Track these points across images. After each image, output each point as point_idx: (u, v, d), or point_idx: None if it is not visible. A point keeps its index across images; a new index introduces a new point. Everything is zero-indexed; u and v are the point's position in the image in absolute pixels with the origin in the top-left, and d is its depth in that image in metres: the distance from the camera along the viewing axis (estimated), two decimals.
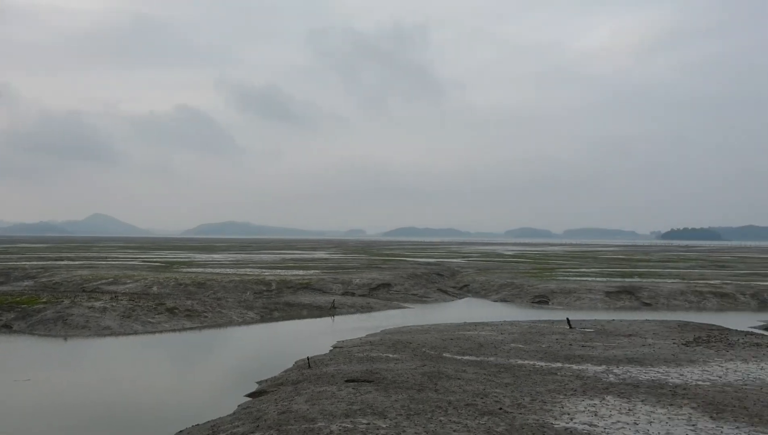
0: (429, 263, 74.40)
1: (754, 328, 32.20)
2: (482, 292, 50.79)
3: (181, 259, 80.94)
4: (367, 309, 39.75)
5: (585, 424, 13.17)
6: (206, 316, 33.56)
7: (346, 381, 17.19)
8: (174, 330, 30.70)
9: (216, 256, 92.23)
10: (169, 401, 18.81)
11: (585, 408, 14.45)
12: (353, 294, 45.39)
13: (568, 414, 13.90)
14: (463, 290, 52.69)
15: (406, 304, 43.20)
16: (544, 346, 23.36)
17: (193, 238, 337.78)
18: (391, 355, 21.41)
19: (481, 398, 15.12)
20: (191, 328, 31.37)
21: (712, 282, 50.58)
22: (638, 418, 13.72)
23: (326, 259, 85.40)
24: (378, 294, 46.34)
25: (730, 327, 30.14)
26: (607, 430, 12.79)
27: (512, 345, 23.45)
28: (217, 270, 58.51)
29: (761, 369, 19.16)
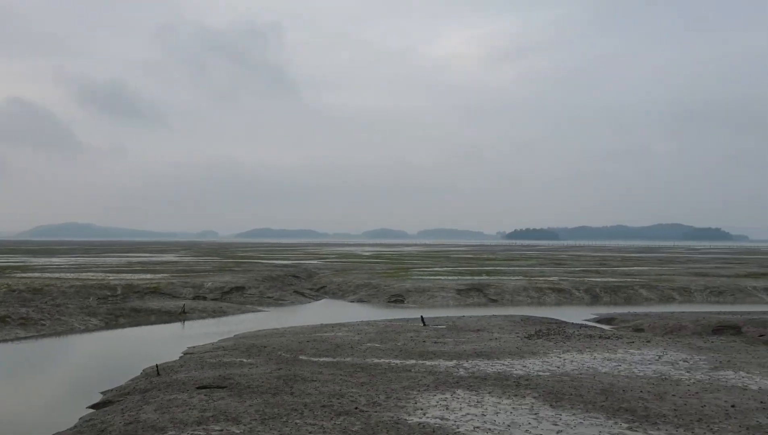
0: (285, 265, 73.77)
1: (588, 320, 34.85)
2: (339, 293, 51.11)
3: (14, 264, 74.52)
4: (220, 313, 38.69)
5: (437, 418, 13.60)
6: (44, 325, 31.12)
7: (198, 388, 16.60)
8: (5, 340, 28.18)
9: (55, 260, 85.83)
10: None
11: (437, 402, 14.93)
12: (205, 298, 44.02)
13: (422, 409, 14.30)
14: (321, 292, 52.75)
15: (261, 308, 42.53)
16: (399, 344, 23.89)
17: (28, 241, 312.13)
18: (245, 360, 20.97)
19: (338, 399, 15.18)
20: (26, 338, 28.95)
21: (551, 279, 54.19)
22: (486, 409, 14.38)
23: (176, 262, 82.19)
24: (231, 298, 45.26)
25: (567, 320, 32.45)
26: (457, 422, 13.29)
27: (368, 344, 23.77)
28: (56, 274, 54.45)
29: (594, 359, 20.76)
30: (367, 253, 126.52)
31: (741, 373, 18.58)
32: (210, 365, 20.18)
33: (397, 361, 20.31)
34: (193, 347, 25.26)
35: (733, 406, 14.63)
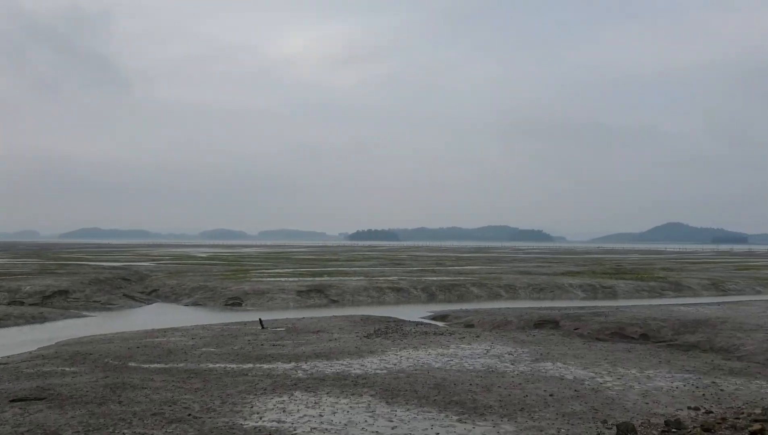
0: (114, 267, 69.58)
1: (424, 318, 36.15)
2: (173, 296, 49.04)
3: None
4: (41, 319, 35.70)
5: (274, 421, 13.44)
6: None
7: (12, 401, 15.17)
8: None
9: None
10: None
11: (274, 405, 14.76)
12: (23, 303, 40.43)
13: (258, 413, 14.06)
14: (153, 295, 50.30)
15: (87, 313, 39.78)
16: (236, 347, 23.37)
17: None
18: (68, 369, 19.48)
19: (170, 406, 14.54)
20: None
21: (390, 278, 55.61)
22: (323, 410, 14.43)
23: None
24: (54, 302, 41.95)
25: (405, 318, 33.45)
26: (294, 424, 13.21)
27: (204, 349, 23.02)
28: None
29: (428, 355, 21.56)
30: (203, 255, 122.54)
31: (558, 364, 20.13)
32: (27, 376, 18.52)
33: (234, 366, 19.84)
34: (8, 357, 23.05)
35: (551, 395, 15.81)
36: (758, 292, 53.87)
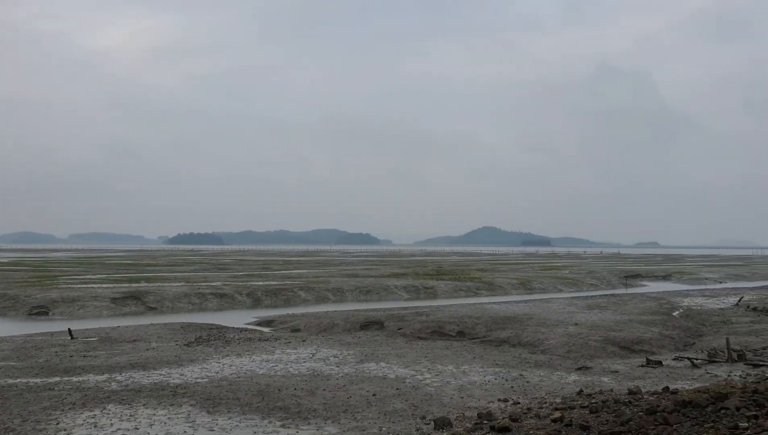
0: None
1: (249, 324, 35.48)
2: None
3: None
4: None
5: None
6: None
7: None
8: None
9: None
10: None
11: (84, 421, 13.73)
12: None
13: (65, 430, 13.00)
14: None
15: None
16: (41, 360, 21.47)
17: None
18: None
19: None
20: None
21: (213, 284, 53.99)
22: (139, 422, 13.66)
23: None
24: None
25: (229, 325, 32.62)
26: None
27: (1, 363, 20.88)
28: None
29: (252, 361, 21.18)
30: (3, 260, 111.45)
31: (382, 363, 20.67)
32: None
33: (38, 380, 18.19)
34: None
35: (374, 395, 16.18)
36: (560, 290, 59.08)
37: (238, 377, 18.40)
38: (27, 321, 38.09)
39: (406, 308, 37.65)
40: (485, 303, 40.92)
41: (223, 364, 20.54)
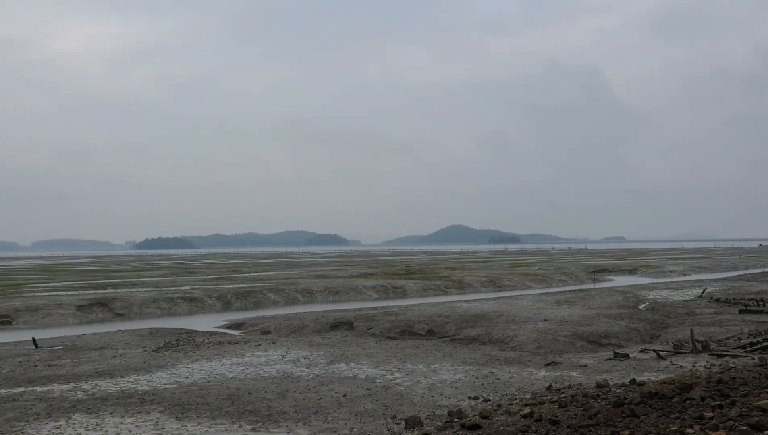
0: None
1: (219, 327, 35.13)
2: None
3: None
4: None
5: None
6: None
7: None
8: None
9: None
10: None
11: (49, 431, 13.46)
12: None
13: None
14: None
15: None
16: (4, 371, 20.98)
17: None
18: None
19: None
20: None
21: (182, 288, 53.37)
22: (106, 431, 13.43)
23: None
24: None
25: (198, 329, 32.26)
26: None
27: None
28: None
29: (222, 365, 20.98)
30: None
31: (352, 364, 20.63)
32: None
33: (1, 391, 17.77)
34: None
35: (344, 395, 16.14)
36: (529, 287, 59.63)
37: (208, 382, 18.21)
38: None
39: (375, 308, 37.65)
40: (455, 301, 41.11)
41: (193, 369, 20.30)
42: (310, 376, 18.70)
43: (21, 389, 18.00)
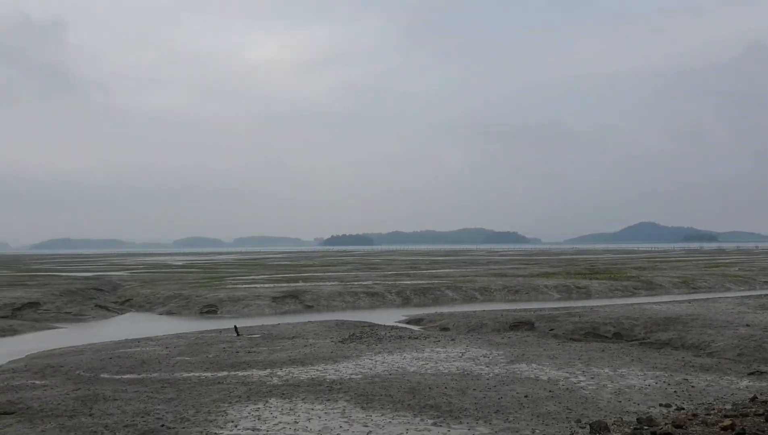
0: (87, 277, 68.64)
1: (399, 322, 36.15)
2: (147, 305, 48.47)
3: None
4: (10, 332, 35.04)
5: (248, 429, 13.33)
6: None
7: None
8: None
9: None
10: None
11: (249, 413, 14.65)
12: None
13: (233, 421, 13.94)
14: (126, 305, 49.66)
15: (58, 325, 39.15)
16: (211, 356, 23.16)
17: None
18: (38, 382, 19.15)
19: (142, 417, 14.35)
20: None
21: (365, 283, 55.55)
22: (298, 416, 14.36)
23: None
24: (24, 315, 41.19)
25: (380, 323, 33.43)
26: (269, 432, 13.12)
27: (178, 358, 22.78)
28: None
29: (403, 359, 21.56)
30: (178, 263, 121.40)
31: (533, 365, 20.26)
32: None
33: (208, 374, 19.66)
34: None
35: (526, 396, 15.90)
36: (728, 289, 54.80)
37: (390, 374, 18.80)
38: (198, 319, 41.28)
39: (557, 309, 36.62)
40: (644, 303, 38.83)
41: (376, 361, 21.08)
42: (490, 375, 18.64)
43: (225, 373, 19.77)
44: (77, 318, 42.29)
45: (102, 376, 19.87)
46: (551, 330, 28.61)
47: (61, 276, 71.38)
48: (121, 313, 45.98)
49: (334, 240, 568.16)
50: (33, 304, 43.41)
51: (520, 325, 30.52)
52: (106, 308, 46.95)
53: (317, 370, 19.87)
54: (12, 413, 15.02)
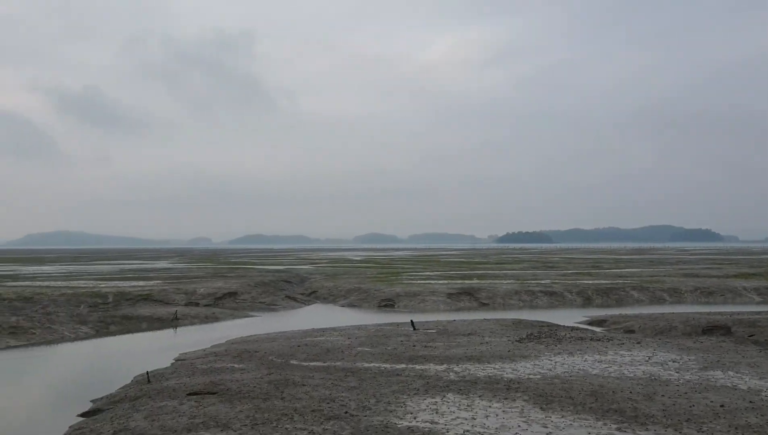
0: (277, 271, 73.69)
1: (579, 323, 34.93)
2: (330, 297, 51.07)
3: (5, 272, 74.11)
4: (213, 319, 38.60)
5: (427, 422, 13.60)
6: (34, 333, 30.95)
7: (189, 394, 16.55)
8: None
9: (45, 268, 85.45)
10: None
11: (427, 406, 14.94)
12: (197, 304, 43.88)
13: (411, 413, 14.30)
14: (312, 297, 52.70)
15: (253, 313, 42.45)
16: (389, 348, 23.89)
17: (18, 250, 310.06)
18: (236, 365, 20.92)
19: (328, 403, 15.17)
20: (17, 347, 28.80)
21: (542, 281, 54.30)
22: (476, 413, 14.39)
23: (169, 268, 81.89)
24: (224, 303, 45.16)
25: (559, 323, 32.51)
26: (447, 426, 13.29)
27: (359, 349, 23.76)
28: (47, 283, 54.19)
29: (585, 361, 20.81)
30: (357, 258, 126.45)
31: (730, 372, 18.67)
32: (201, 371, 20.12)
33: (387, 366, 20.31)
34: (185, 354, 25.20)
35: (722, 405, 14.70)
36: None
37: (570, 376, 18.25)
38: (377, 312, 42.77)
39: (758, 313, 33.42)
40: None
41: (555, 362, 20.55)
42: (681, 381, 17.45)
43: (403, 365, 20.30)
44: (270, 307, 45.57)
45: (291, 362, 21.26)
46: (751, 336, 26.17)
47: (255, 269, 77.28)
48: (308, 304, 48.86)
49: (509, 237, 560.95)
50: (232, 294, 47.43)
51: (715, 329, 28.24)
52: (294, 299, 50.17)
53: (494, 368, 19.78)
54: (215, 393, 16.56)
